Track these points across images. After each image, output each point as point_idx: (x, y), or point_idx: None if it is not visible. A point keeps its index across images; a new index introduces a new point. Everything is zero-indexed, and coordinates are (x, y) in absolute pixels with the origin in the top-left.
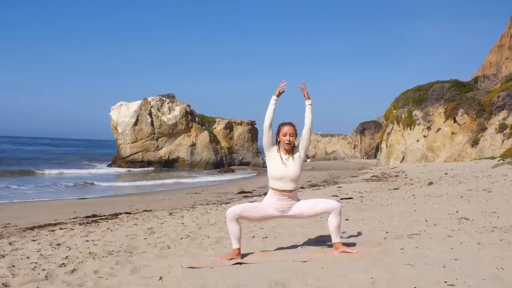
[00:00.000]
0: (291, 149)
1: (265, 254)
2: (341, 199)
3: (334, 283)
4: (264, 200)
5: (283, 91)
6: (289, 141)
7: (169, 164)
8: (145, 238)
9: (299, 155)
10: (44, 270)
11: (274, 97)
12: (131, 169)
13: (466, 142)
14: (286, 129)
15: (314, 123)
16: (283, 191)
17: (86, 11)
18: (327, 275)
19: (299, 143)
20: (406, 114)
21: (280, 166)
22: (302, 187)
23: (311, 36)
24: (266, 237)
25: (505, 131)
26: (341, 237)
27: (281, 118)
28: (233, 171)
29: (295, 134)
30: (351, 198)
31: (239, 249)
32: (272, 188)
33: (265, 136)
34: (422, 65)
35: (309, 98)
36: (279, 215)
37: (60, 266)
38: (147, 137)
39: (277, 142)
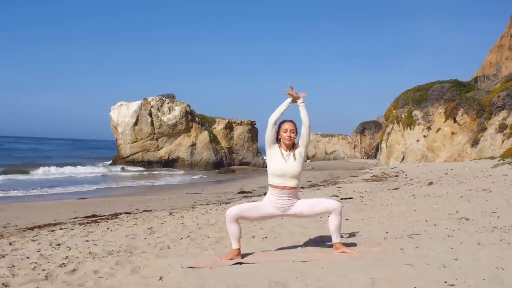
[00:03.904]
0: (292, 146)
1: (265, 254)
2: (341, 199)
3: (334, 283)
4: (264, 199)
5: (297, 98)
6: (290, 136)
7: (169, 164)
8: (145, 238)
9: (300, 152)
10: (44, 270)
11: (289, 100)
12: (120, 172)
13: (466, 142)
14: (286, 125)
15: (314, 123)
16: (284, 187)
17: (86, 11)
18: (327, 275)
19: (299, 141)
20: (406, 114)
21: (281, 162)
22: (302, 187)
23: (311, 36)
24: (266, 237)
25: (505, 131)
26: (341, 236)
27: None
28: (233, 171)
29: (295, 130)
30: (351, 198)
31: (239, 249)
32: (272, 186)
33: (269, 131)
34: (422, 65)
35: (299, 98)
36: (279, 214)
37: (60, 266)
38: (147, 137)
39: (278, 140)
